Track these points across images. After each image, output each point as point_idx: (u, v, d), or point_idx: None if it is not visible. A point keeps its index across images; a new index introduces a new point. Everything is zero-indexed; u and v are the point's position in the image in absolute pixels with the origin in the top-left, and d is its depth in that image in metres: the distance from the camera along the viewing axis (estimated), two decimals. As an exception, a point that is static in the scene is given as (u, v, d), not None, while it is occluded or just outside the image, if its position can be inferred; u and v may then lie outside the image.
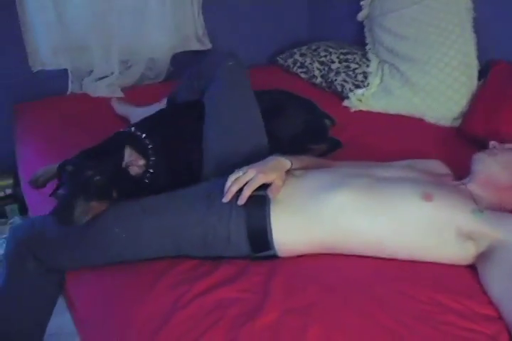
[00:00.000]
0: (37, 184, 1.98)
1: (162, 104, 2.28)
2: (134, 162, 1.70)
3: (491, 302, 1.38)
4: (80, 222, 1.52)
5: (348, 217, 1.53)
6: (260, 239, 1.53)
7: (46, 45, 2.78)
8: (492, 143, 1.79)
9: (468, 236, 1.51)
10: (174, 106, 2.16)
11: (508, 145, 1.78)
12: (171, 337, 1.27)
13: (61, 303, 1.74)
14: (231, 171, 1.67)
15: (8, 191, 2.84)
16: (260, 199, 1.56)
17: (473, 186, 1.67)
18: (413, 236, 1.52)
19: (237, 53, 2.02)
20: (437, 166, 1.87)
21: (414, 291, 1.41)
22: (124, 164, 1.67)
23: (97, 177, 1.59)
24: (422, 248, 1.53)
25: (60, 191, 1.69)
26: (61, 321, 1.85)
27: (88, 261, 1.61)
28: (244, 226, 1.53)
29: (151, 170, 1.76)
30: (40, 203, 1.99)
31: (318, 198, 1.55)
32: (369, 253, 1.55)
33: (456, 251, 1.52)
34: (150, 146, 1.79)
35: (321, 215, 1.53)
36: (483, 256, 1.49)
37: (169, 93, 2.26)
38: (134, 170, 1.70)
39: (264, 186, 1.59)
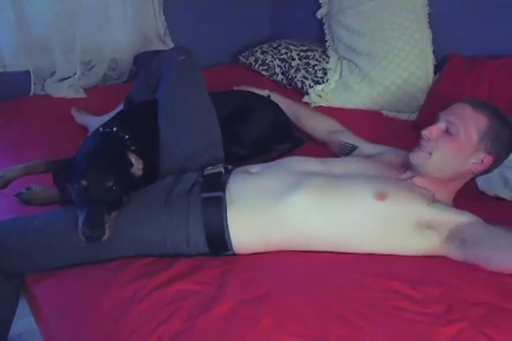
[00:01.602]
0: None
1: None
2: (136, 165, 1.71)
3: (443, 285, 1.43)
4: (109, 236, 1.49)
5: (305, 217, 1.56)
6: (218, 241, 1.56)
7: (7, 47, 2.75)
8: (424, 133, 1.67)
9: (428, 226, 1.54)
10: (134, 107, 2.17)
11: (438, 126, 1.66)
12: (130, 328, 1.30)
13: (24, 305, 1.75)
14: (185, 164, 1.69)
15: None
16: (216, 201, 1.58)
17: (421, 181, 1.68)
18: (371, 233, 1.55)
19: (189, 49, 2.04)
20: (401, 156, 1.87)
21: (369, 280, 1.45)
22: (133, 169, 1.68)
23: (116, 187, 1.56)
24: (381, 243, 1.56)
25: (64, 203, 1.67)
26: (31, 321, 1.86)
27: (48, 267, 1.59)
28: (202, 229, 1.55)
29: None
30: (5, 205, 1.98)
31: (276, 199, 1.57)
32: (328, 250, 1.58)
33: (417, 241, 1.55)
34: (133, 148, 1.79)
35: (279, 216, 1.55)
36: (451, 238, 1.52)
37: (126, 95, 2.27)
38: (137, 174, 1.71)
39: (220, 184, 1.63)
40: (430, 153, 1.65)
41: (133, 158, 1.70)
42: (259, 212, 1.56)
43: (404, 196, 1.59)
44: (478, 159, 1.64)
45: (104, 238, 1.47)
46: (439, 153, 1.64)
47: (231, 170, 1.74)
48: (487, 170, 1.70)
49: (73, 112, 2.54)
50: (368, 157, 1.94)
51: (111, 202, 1.54)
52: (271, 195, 1.59)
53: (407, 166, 1.76)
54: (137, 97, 2.18)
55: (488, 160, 1.64)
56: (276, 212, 1.56)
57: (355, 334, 1.27)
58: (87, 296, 1.44)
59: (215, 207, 1.57)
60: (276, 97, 2.42)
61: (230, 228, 1.55)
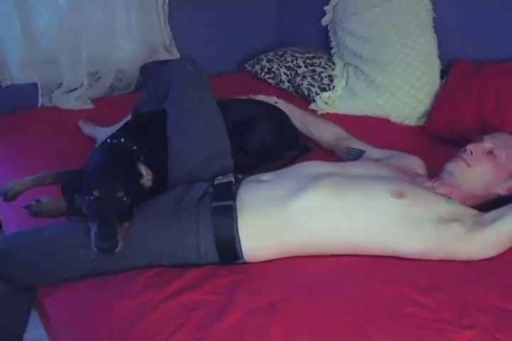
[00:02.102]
0: (7, 197, 1.99)
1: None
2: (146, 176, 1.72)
3: (453, 291, 1.43)
4: (121, 248, 1.49)
5: (318, 219, 1.55)
6: (229, 250, 1.55)
7: (15, 60, 2.78)
8: (469, 148, 1.73)
9: (451, 218, 1.55)
10: (141, 117, 2.17)
11: (484, 145, 1.73)
12: (141, 338, 1.30)
13: (37, 317, 1.75)
14: (194, 174, 1.68)
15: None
16: (227, 209, 1.57)
17: (442, 191, 1.70)
18: (391, 233, 1.54)
19: (196, 59, 2.06)
20: (416, 164, 1.90)
21: (379, 287, 1.44)
22: (143, 180, 1.68)
23: (127, 198, 1.56)
24: (402, 241, 1.54)
25: (73, 216, 1.66)
26: (38, 334, 1.86)
27: (58, 279, 1.58)
28: (213, 239, 1.54)
29: None
30: (14, 217, 1.99)
31: (287, 203, 1.56)
32: (341, 253, 1.57)
33: (438, 235, 1.53)
34: (141, 158, 1.79)
35: (290, 220, 1.54)
36: (479, 221, 1.56)
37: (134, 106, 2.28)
38: (147, 184, 1.71)
39: (231, 193, 1.62)
40: (470, 166, 1.72)
41: (143, 169, 1.70)
42: (271, 218, 1.55)
43: (422, 194, 1.62)
44: (507, 185, 1.72)
45: (117, 250, 1.47)
46: (478, 168, 1.71)
47: (241, 179, 1.74)
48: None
49: (80, 123, 2.55)
50: (377, 161, 1.95)
51: (122, 213, 1.54)
52: (282, 198, 1.58)
53: (428, 176, 1.83)
54: (144, 108, 2.19)
55: None
56: (287, 215, 1.55)
57: (366, 342, 1.26)
58: (97, 308, 1.44)
59: (226, 216, 1.56)
60: (283, 104, 2.42)
61: (240, 237, 1.54)
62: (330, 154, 2.25)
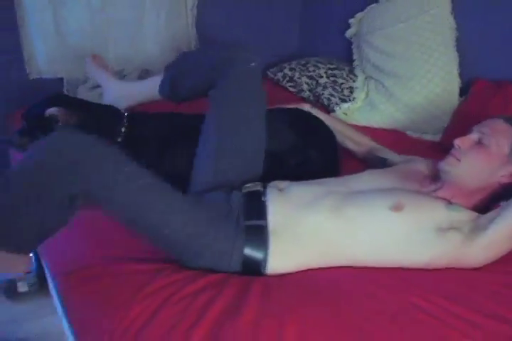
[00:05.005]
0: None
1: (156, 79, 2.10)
2: None
3: (463, 300, 1.44)
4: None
5: (325, 237, 1.57)
6: (255, 266, 1.54)
7: (44, 54, 2.85)
8: (456, 142, 1.69)
9: (449, 228, 1.55)
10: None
11: (471, 136, 1.69)
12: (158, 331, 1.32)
13: (47, 305, 1.74)
14: (224, 178, 1.73)
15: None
16: (259, 230, 1.56)
17: (443, 194, 1.69)
18: (393, 247, 1.56)
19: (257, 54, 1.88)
20: (423, 165, 1.89)
21: (389, 294, 1.46)
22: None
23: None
24: (401, 256, 1.56)
25: None
26: (48, 322, 1.88)
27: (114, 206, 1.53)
28: (243, 255, 1.53)
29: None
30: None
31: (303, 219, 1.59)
32: (356, 266, 1.58)
33: (440, 246, 1.54)
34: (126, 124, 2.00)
35: (312, 238, 1.56)
36: (475, 228, 1.55)
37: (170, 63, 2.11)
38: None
39: (262, 214, 1.61)
40: (459, 160, 1.68)
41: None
42: (297, 238, 1.57)
43: (421, 204, 1.60)
44: (507, 171, 1.66)
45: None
46: (468, 160, 1.67)
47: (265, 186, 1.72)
48: None
49: (88, 60, 2.38)
50: (396, 164, 1.98)
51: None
52: (301, 211, 1.60)
53: (433, 178, 1.79)
54: (186, 78, 2.00)
55: None
56: (307, 232, 1.57)
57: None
58: (117, 302, 1.44)
59: (258, 238, 1.54)
60: (317, 112, 2.34)
61: (269, 258, 1.54)
62: (345, 164, 2.24)
